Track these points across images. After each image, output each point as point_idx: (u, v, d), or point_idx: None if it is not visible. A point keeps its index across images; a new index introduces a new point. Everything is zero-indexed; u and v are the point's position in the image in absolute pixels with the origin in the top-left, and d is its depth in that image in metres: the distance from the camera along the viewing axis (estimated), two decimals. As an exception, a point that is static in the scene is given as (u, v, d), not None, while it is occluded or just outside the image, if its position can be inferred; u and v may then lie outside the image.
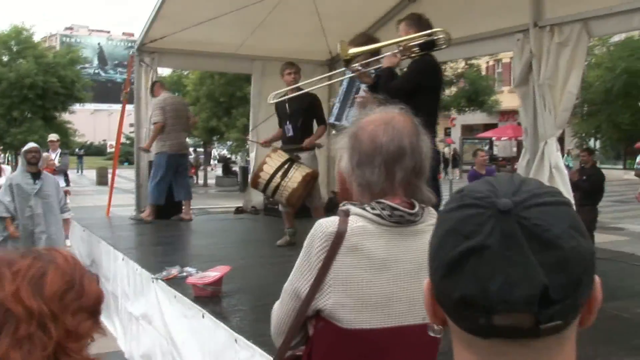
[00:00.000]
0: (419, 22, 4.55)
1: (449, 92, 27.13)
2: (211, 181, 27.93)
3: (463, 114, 28.96)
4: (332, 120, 5.54)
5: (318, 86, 6.43)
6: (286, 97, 6.40)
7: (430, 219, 1.71)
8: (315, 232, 1.66)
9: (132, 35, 75.01)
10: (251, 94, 9.71)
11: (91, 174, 31.17)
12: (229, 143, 25.61)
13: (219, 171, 31.25)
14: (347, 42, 4.79)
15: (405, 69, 4.69)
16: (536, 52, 6.37)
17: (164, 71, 23.99)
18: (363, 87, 5.10)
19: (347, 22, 7.71)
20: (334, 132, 5.95)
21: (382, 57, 4.76)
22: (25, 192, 6.65)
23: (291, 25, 8.43)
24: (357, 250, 1.62)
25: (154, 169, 8.15)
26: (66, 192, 8.30)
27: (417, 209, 1.68)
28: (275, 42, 8.84)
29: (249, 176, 8.00)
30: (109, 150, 33.24)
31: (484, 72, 30.65)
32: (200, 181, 28.05)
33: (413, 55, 4.53)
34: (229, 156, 32.85)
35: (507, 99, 31.00)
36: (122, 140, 14.32)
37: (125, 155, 31.88)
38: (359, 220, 1.64)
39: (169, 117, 8.00)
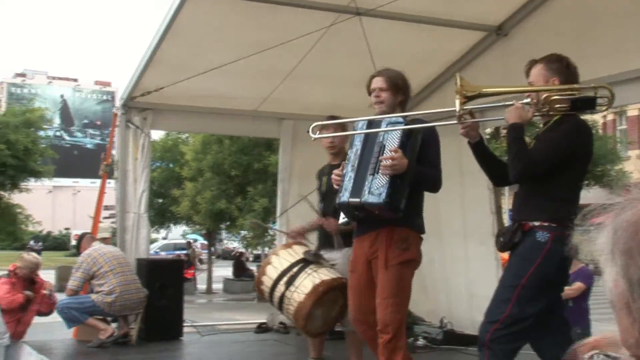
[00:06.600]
0: (567, 69, 4.39)
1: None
2: (217, 285, 27.76)
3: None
4: (345, 199, 5.01)
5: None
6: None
7: None
8: None
9: (109, 84, 76.53)
10: (279, 167, 9.82)
11: (48, 276, 30.85)
12: (242, 233, 25.31)
13: (223, 270, 30.87)
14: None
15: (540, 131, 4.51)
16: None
17: (155, 134, 24.22)
18: (390, 146, 4.85)
19: (410, 65, 7.65)
20: (342, 219, 5.50)
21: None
22: None
23: (333, 71, 8.64)
24: None
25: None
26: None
27: None
28: (313, 95, 9.07)
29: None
30: (73, 242, 32.88)
31: (600, 131, 30.32)
32: (202, 285, 27.73)
33: (552, 113, 4.36)
34: (241, 250, 32.64)
35: (637, 167, 30.73)
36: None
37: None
38: None
39: None
